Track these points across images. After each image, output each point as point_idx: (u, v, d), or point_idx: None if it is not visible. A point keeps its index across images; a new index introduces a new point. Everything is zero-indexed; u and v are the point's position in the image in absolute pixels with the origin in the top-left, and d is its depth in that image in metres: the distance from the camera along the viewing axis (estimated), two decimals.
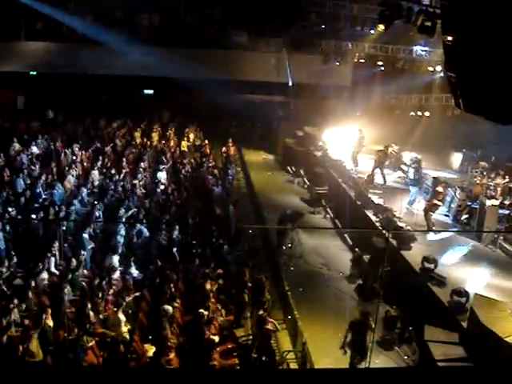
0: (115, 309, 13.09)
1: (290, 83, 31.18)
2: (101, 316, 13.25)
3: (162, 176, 23.19)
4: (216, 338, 12.52)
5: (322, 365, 12.16)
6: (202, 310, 13.10)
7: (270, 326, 12.99)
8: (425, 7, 16.48)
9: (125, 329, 12.82)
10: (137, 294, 13.91)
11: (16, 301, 12.98)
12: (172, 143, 29.69)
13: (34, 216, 18.07)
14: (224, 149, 29.34)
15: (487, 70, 8.13)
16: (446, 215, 20.33)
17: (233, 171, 25.96)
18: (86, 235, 16.67)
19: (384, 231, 17.53)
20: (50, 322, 12.53)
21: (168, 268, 15.35)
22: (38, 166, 22.58)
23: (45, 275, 14.52)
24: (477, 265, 16.62)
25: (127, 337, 12.74)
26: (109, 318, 13.19)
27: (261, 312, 13.34)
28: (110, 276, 14.81)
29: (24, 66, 30.73)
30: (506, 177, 21.88)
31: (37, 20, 30.66)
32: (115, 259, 15.59)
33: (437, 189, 19.60)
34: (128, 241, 17.27)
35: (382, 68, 30.36)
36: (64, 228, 16.89)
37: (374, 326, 12.42)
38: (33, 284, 13.97)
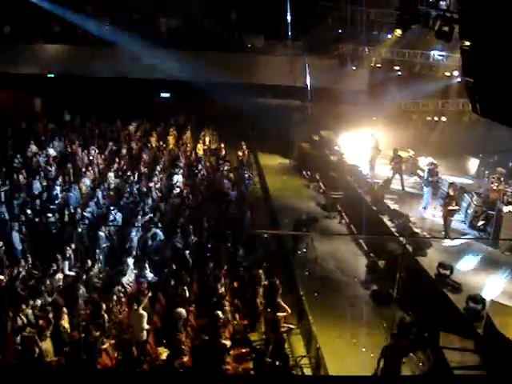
0: (135, 306, 13.09)
1: (307, 87, 31.16)
2: (114, 317, 13.29)
3: (178, 179, 23.24)
4: (228, 343, 12.49)
5: (335, 371, 12.11)
6: (218, 312, 13.08)
7: (284, 329, 12.98)
8: (442, 12, 16.39)
9: (146, 326, 12.82)
10: (149, 294, 13.92)
11: (31, 301, 13.07)
12: (188, 146, 29.75)
13: (50, 218, 18.17)
14: (239, 153, 29.36)
15: (505, 75, 8.07)
16: (463, 221, 20.18)
17: (249, 175, 25.94)
18: (101, 233, 16.76)
19: (400, 237, 17.45)
20: (66, 323, 12.59)
21: (182, 271, 15.37)
22: (54, 168, 22.73)
23: (59, 276, 14.61)
24: (493, 271, 16.48)
25: (145, 335, 12.75)
26: (129, 316, 13.23)
27: (276, 315, 13.33)
28: (124, 278, 14.90)
29: (41, 69, 30.96)
30: None
31: (54, 23, 30.88)
32: (130, 262, 15.64)
33: (448, 192, 19.49)
34: (143, 244, 17.32)
35: (399, 73, 30.24)
36: (80, 230, 16.98)
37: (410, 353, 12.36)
38: (48, 284, 14.05)
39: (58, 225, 17.75)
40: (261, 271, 15.39)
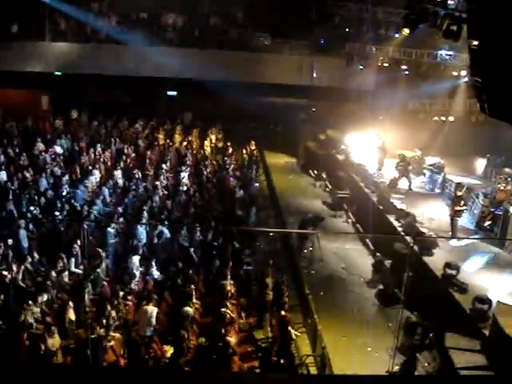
0: (143, 303, 13.17)
1: (314, 86, 31.11)
2: (120, 315, 13.32)
3: (185, 177, 23.26)
4: (233, 341, 12.49)
5: (341, 370, 12.10)
6: (224, 310, 13.09)
7: (291, 330, 12.98)
8: (451, 11, 16.30)
9: (154, 322, 12.85)
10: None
11: (38, 298, 13.11)
12: (194, 145, 29.79)
13: (57, 215, 18.21)
14: (246, 151, 29.36)
15: None
16: (470, 221, 20.10)
17: (255, 173, 25.96)
18: (110, 230, 16.80)
19: (407, 237, 17.41)
20: (72, 316, 12.64)
21: (189, 269, 15.38)
22: (60, 166, 22.75)
23: (66, 273, 14.64)
24: (500, 272, 16.42)
25: (151, 330, 12.79)
26: (136, 312, 13.28)
27: (282, 313, 13.33)
28: (131, 277, 14.91)
29: (48, 66, 30.91)
30: None
31: (61, 20, 30.90)
32: (136, 260, 15.64)
33: (456, 193, 19.46)
34: (149, 242, 17.34)
35: (406, 72, 30.13)
36: (86, 227, 16.99)
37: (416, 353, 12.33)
38: (54, 280, 14.10)
39: (65, 222, 17.77)
40: (268, 269, 15.41)
